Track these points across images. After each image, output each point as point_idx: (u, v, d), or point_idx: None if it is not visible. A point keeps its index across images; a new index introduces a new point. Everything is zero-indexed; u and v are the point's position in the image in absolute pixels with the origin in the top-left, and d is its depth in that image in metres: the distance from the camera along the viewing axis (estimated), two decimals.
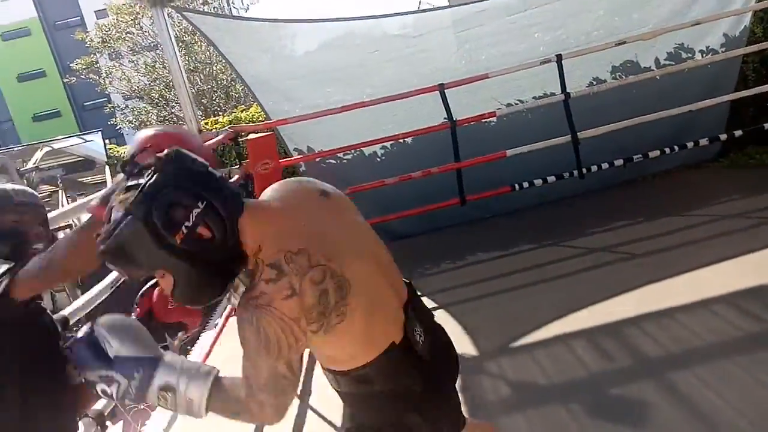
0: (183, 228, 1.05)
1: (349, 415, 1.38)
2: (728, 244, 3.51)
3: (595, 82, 5.02)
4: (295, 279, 1.09)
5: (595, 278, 3.53)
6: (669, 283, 3.20)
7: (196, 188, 1.07)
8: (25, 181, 5.70)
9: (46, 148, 6.51)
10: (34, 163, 5.85)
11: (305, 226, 1.18)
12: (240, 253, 1.13)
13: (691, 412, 2.16)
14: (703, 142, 4.72)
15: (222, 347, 3.64)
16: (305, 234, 1.16)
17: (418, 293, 1.42)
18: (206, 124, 5.74)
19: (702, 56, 5.05)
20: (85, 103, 34.14)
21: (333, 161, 5.07)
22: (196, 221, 1.06)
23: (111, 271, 2.28)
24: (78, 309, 2.14)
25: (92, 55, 15.18)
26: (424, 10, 6.91)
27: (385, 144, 5.01)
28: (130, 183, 1.08)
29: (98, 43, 13.90)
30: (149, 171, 1.07)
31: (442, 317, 3.36)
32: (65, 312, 2.05)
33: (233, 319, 3.78)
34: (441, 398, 1.37)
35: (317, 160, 5.13)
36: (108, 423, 2.13)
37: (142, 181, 1.06)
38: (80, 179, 6.53)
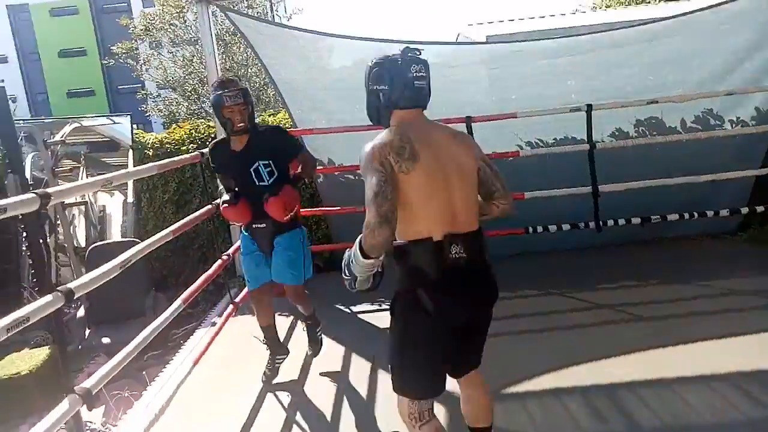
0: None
1: (396, 281, 1.85)
2: (738, 322, 3.43)
3: (617, 132, 5.03)
4: (395, 135, 1.77)
5: (597, 335, 3.45)
6: (672, 351, 3.11)
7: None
8: (49, 152, 5.77)
9: (75, 124, 6.60)
10: (62, 137, 5.92)
11: (423, 136, 1.81)
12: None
13: None
14: (724, 213, 4.66)
15: (218, 347, 3.61)
16: (420, 135, 1.80)
17: (484, 243, 1.90)
18: None
19: (732, 126, 5.02)
20: (120, 87, 34.75)
21: (351, 177, 5.08)
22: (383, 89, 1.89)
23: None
24: (83, 284, 2.15)
25: (133, 42, 15.48)
26: (463, 43, 6.95)
27: None
28: None
29: (141, 30, 14.20)
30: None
31: None
32: (71, 285, 2.07)
33: (232, 320, 3.78)
34: (452, 298, 1.78)
35: (336, 173, 5.15)
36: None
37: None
38: (103, 158, 6.61)
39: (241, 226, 3.22)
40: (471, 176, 1.87)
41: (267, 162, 2.89)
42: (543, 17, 11.75)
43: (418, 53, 1.92)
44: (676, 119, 5.05)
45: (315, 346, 3.37)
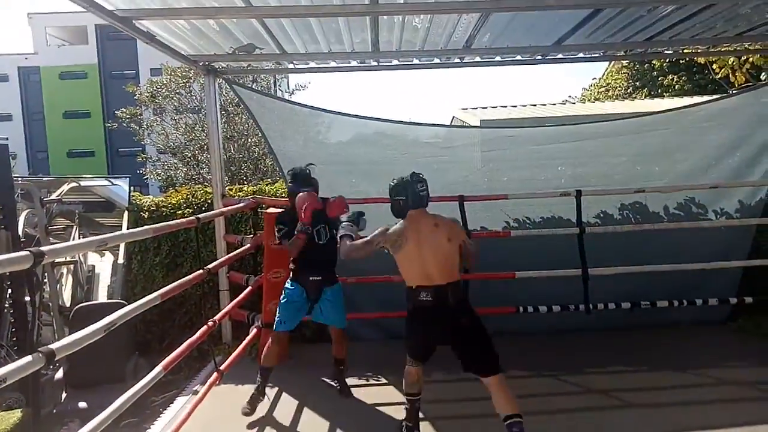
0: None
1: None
2: (728, 412, 3.40)
3: (602, 215, 5.17)
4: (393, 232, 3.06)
5: (586, 421, 3.39)
6: None
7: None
8: (44, 210, 5.78)
9: (73, 184, 6.65)
10: (58, 195, 5.96)
11: (414, 230, 3.05)
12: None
13: None
14: (713, 302, 4.71)
15: (200, 415, 3.48)
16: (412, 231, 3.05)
17: (452, 291, 3.03)
18: (231, 190, 5.89)
19: (716, 216, 5.17)
20: (120, 149, 35.36)
21: None
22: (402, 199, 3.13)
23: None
24: (66, 345, 2.09)
25: (137, 107, 15.92)
26: (457, 126, 7.21)
27: None
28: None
29: (147, 97, 14.63)
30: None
31: (425, 429, 3.25)
32: (53, 346, 2.02)
33: (215, 389, 3.67)
34: (422, 321, 3.07)
35: None
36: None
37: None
38: (97, 219, 6.61)
39: (288, 280, 3.78)
40: (444, 250, 3.04)
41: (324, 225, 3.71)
42: (534, 105, 12.31)
43: (421, 175, 3.15)
44: (659, 205, 5.21)
45: (345, 387, 3.94)
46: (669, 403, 3.57)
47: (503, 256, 4.87)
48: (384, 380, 4.18)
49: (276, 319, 3.73)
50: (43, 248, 2.05)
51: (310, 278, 3.69)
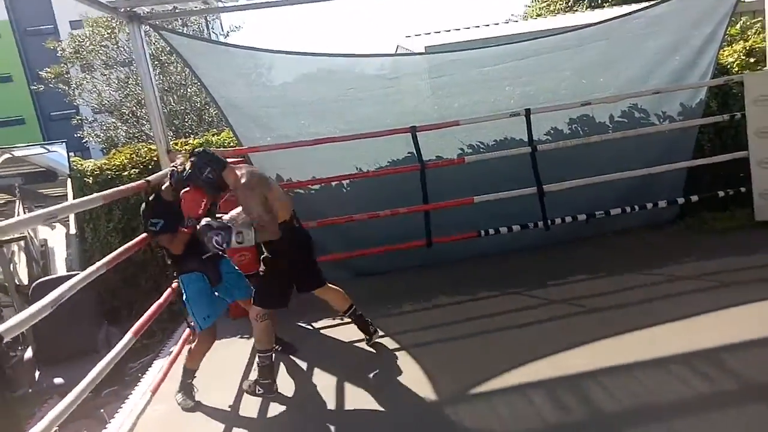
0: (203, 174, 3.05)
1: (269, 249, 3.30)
2: (683, 306, 3.62)
3: (552, 131, 5.25)
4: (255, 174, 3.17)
5: (554, 329, 3.57)
6: (626, 338, 3.27)
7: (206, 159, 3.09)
8: None
9: (6, 155, 6.27)
10: None
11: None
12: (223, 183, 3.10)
13: None
14: (662, 203, 4.94)
15: (176, 375, 3.49)
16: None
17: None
18: (176, 144, 5.66)
19: (659, 120, 5.32)
20: (52, 113, 33.31)
21: (301, 191, 5.05)
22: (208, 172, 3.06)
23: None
24: (13, 326, 1.98)
25: (63, 65, 14.86)
26: (402, 54, 7.04)
27: (354, 180, 5.04)
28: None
29: (70, 53, 13.66)
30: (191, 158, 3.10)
31: (402, 359, 3.37)
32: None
33: (188, 345, 3.66)
34: (301, 249, 3.29)
35: (285, 189, 5.11)
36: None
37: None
38: (39, 190, 6.28)
39: (180, 276, 3.26)
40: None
41: None
42: (478, 27, 12.11)
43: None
44: (605, 115, 5.31)
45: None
46: (629, 303, 3.78)
47: (461, 183, 4.93)
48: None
49: (194, 321, 3.25)
50: None
51: (203, 257, 3.21)
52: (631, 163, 4.98)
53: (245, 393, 3.27)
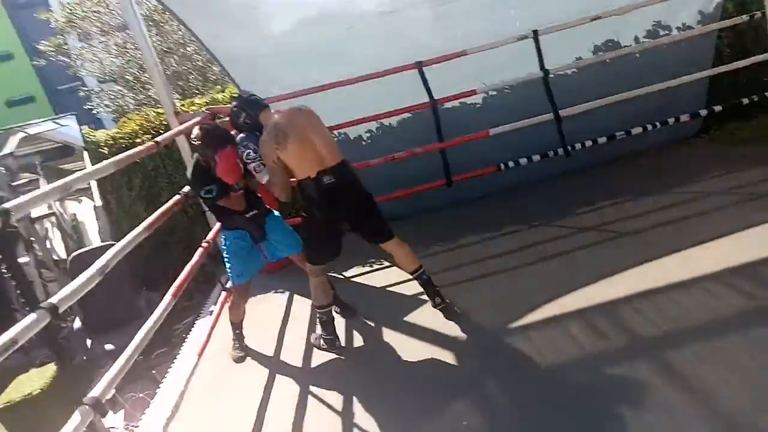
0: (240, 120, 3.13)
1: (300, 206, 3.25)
2: (716, 222, 3.55)
3: (577, 59, 5.01)
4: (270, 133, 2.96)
5: (585, 258, 3.55)
6: (660, 262, 3.23)
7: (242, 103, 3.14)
8: (2, 168, 5.51)
9: (21, 134, 6.30)
10: (10, 151, 5.65)
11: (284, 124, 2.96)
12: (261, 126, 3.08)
13: (688, 390, 2.19)
14: (684, 118, 4.79)
15: (220, 333, 3.61)
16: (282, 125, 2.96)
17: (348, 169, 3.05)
18: (183, 105, 5.60)
19: (679, 32, 5.07)
20: (58, 87, 33.01)
21: None
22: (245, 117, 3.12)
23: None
24: (67, 296, 2.06)
25: (59, 36, 14.59)
26: None
27: (369, 127, 4.95)
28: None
29: (64, 23, 13.36)
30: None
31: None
32: (53, 300, 1.99)
33: (228, 306, 3.75)
34: (330, 208, 3.00)
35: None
36: (110, 411, 2.09)
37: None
38: (60, 166, 6.34)
39: (222, 231, 3.39)
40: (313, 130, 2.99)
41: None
42: None
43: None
44: (630, 38, 5.07)
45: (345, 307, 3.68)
46: (659, 224, 3.73)
47: (478, 123, 4.80)
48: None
49: (228, 274, 3.39)
50: (6, 205, 1.93)
51: (246, 216, 3.27)
52: (651, 82, 4.76)
53: (313, 347, 3.32)
